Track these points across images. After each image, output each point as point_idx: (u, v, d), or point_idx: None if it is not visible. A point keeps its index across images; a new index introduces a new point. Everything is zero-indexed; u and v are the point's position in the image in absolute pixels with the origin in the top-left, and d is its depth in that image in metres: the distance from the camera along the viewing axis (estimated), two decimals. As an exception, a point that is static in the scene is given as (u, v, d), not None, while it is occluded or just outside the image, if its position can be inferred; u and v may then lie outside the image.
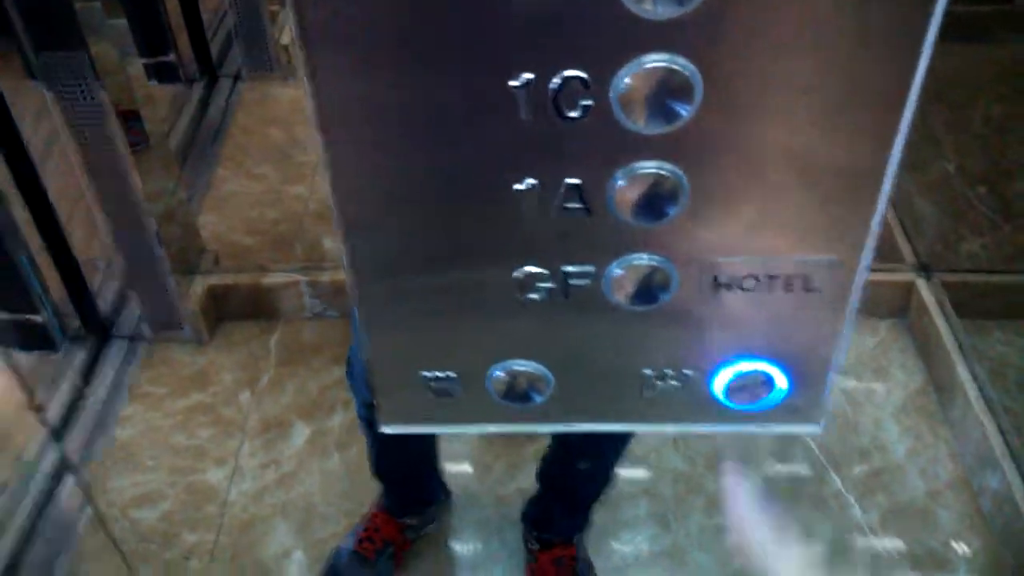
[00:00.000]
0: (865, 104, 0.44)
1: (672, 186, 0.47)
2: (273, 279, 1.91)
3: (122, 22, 2.00)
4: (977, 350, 1.58)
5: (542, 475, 1.37)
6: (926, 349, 1.68)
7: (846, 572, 1.46)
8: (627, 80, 0.43)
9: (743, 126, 0.45)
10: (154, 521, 1.55)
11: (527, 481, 1.47)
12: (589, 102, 0.44)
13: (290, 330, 1.90)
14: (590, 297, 0.52)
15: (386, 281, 0.52)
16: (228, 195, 2.24)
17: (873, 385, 1.68)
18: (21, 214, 1.61)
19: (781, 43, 0.42)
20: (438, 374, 0.56)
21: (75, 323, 1.77)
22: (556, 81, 0.44)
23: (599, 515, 1.43)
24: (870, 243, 0.49)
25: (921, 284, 1.71)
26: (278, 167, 2.34)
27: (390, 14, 0.42)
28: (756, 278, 0.51)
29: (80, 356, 1.76)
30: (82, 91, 1.52)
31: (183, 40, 2.44)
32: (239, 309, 1.92)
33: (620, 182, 0.47)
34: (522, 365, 0.56)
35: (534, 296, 0.52)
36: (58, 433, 1.64)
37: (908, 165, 1.74)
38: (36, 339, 1.67)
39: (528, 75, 0.43)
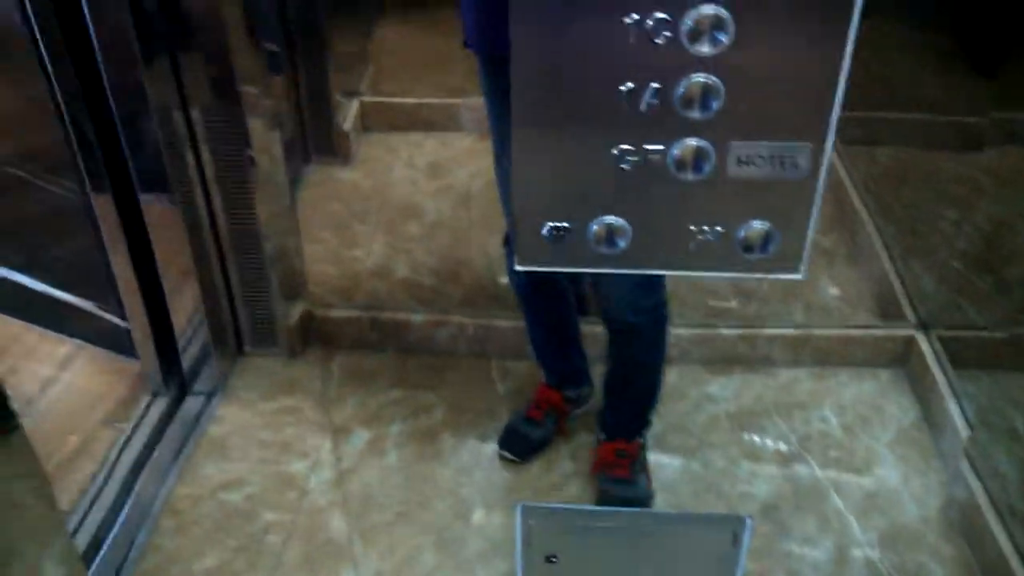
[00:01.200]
0: (819, 47, 0.84)
1: (714, 89, 0.86)
2: (338, 313, 2.30)
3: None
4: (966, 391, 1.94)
5: (606, 380, 1.92)
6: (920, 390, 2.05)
7: None
8: (690, 21, 0.83)
9: (759, 52, 0.84)
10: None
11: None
12: (669, 33, 0.84)
13: (351, 358, 2.27)
14: (659, 168, 0.90)
15: (533, 151, 0.91)
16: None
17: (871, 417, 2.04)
18: (126, 273, 1.97)
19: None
20: (558, 224, 0.94)
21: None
22: (650, 20, 0.83)
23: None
24: (831, 135, 0.87)
25: (920, 338, 2.09)
26: (338, 234, 2.75)
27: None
28: (762, 157, 0.89)
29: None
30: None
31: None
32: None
33: (682, 86, 0.86)
34: (612, 219, 0.93)
35: (624, 166, 0.90)
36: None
37: (916, 250, 2.17)
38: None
39: (635, 15, 0.83)
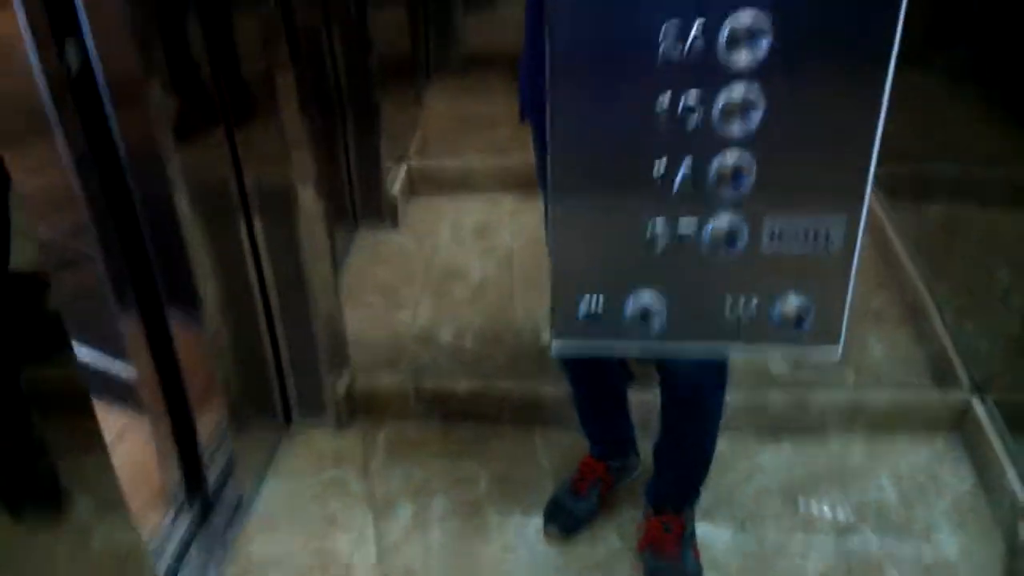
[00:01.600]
0: (850, 123, 0.85)
1: (746, 168, 0.87)
2: (384, 382, 2.32)
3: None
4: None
5: (658, 446, 1.88)
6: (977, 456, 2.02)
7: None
8: (722, 101, 0.85)
9: (790, 130, 0.86)
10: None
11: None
12: (702, 113, 0.86)
13: (396, 428, 2.28)
14: (693, 244, 0.92)
15: (569, 227, 0.93)
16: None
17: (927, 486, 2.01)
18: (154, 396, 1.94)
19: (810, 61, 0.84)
20: (592, 297, 0.96)
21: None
22: (683, 100, 0.86)
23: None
24: (864, 208, 0.88)
25: (976, 402, 2.06)
26: (386, 297, 2.79)
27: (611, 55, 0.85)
28: (795, 231, 0.90)
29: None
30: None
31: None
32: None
33: (715, 164, 0.88)
34: (647, 295, 0.95)
35: (660, 242, 0.92)
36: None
37: (969, 311, 2.14)
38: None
39: (665, 97, 0.86)
